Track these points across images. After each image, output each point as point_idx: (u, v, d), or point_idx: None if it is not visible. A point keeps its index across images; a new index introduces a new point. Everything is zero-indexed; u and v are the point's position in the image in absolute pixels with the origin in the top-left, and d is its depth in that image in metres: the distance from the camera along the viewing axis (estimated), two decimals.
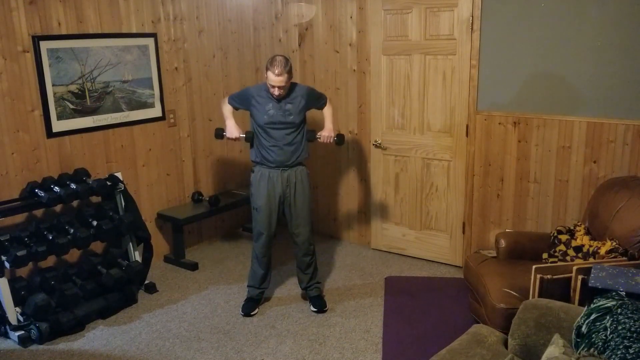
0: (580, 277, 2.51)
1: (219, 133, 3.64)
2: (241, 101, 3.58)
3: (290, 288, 4.01)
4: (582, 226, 3.25)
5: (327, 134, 3.57)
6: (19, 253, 3.21)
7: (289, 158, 3.46)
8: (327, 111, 3.69)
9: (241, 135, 3.55)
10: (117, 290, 3.69)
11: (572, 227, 3.29)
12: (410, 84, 4.22)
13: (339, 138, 3.63)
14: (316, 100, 3.63)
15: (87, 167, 3.86)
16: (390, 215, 4.56)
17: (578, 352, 1.98)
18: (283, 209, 3.56)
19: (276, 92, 3.35)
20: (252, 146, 3.56)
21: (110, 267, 3.74)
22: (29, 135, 3.59)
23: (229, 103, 3.64)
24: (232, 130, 3.56)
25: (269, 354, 3.19)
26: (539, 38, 3.62)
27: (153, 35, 4.22)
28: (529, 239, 3.41)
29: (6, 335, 3.36)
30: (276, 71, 3.26)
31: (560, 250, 3.14)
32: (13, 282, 3.41)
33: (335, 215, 4.92)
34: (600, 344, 1.94)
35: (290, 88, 3.46)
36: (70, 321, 3.40)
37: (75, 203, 3.83)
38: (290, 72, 3.34)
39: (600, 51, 3.43)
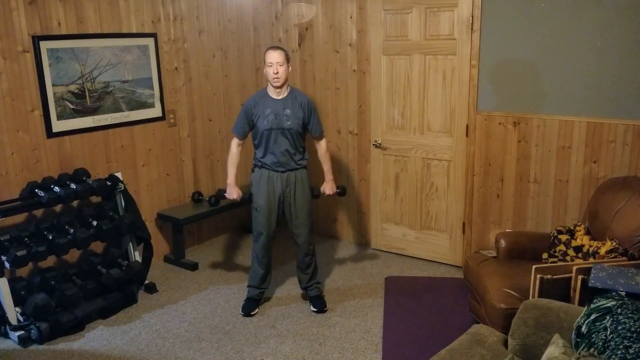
0: (580, 277, 2.51)
1: (220, 195, 4.01)
2: (242, 122, 3.52)
3: (290, 288, 4.01)
4: (582, 226, 3.25)
5: (329, 188, 3.72)
6: (19, 253, 3.21)
7: (289, 164, 3.48)
8: (325, 157, 3.69)
9: (239, 196, 3.67)
10: (117, 290, 3.69)
11: (572, 227, 3.28)
12: (410, 84, 4.22)
13: (342, 190, 3.85)
14: (315, 121, 3.53)
15: (87, 167, 3.86)
16: (390, 215, 4.55)
17: (578, 352, 1.98)
18: (283, 208, 3.57)
19: (274, 70, 3.34)
20: (251, 206, 3.65)
21: (110, 267, 3.74)
22: (29, 135, 3.59)
23: (235, 135, 3.57)
24: (232, 191, 3.64)
25: (269, 354, 3.19)
26: (539, 38, 3.62)
27: (153, 35, 4.22)
28: (529, 239, 3.41)
29: (6, 335, 3.36)
30: (273, 47, 3.41)
31: (560, 250, 3.14)
32: (13, 282, 3.41)
33: (335, 215, 4.92)
34: (600, 344, 1.94)
35: (291, 92, 3.48)
36: (70, 321, 3.40)
37: (75, 203, 3.82)
38: (287, 56, 3.41)
39: (600, 51, 3.42)
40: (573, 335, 2.08)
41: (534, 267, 2.64)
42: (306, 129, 3.55)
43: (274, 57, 3.36)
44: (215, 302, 3.82)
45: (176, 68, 4.45)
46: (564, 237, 3.19)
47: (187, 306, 3.78)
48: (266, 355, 3.18)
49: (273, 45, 3.53)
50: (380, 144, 4.45)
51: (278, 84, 3.39)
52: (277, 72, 3.35)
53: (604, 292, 2.22)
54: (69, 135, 3.80)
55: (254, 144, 3.56)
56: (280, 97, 3.44)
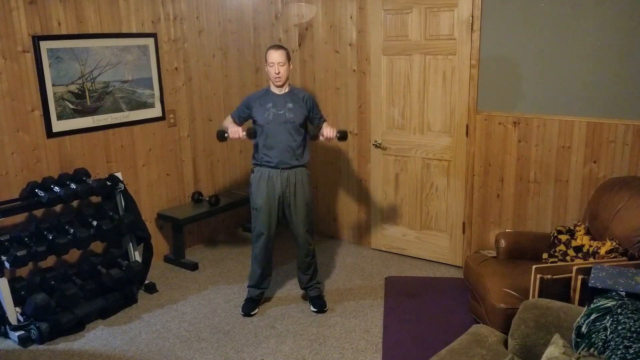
0: (580, 277, 2.51)
1: (221, 134, 3.52)
2: (241, 110, 3.57)
3: (290, 288, 4.01)
4: (582, 226, 3.25)
5: (328, 129, 3.51)
6: (19, 253, 3.21)
7: (289, 161, 3.47)
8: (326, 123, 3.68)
9: (243, 133, 3.48)
10: (117, 290, 3.69)
11: (572, 227, 3.29)
12: (410, 84, 4.22)
13: (342, 133, 3.51)
14: (317, 111, 3.60)
15: (87, 167, 3.86)
16: (390, 215, 4.56)
17: (578, 352, 1.98)
18: (283, 209, 3.56)
19: (276, 70, 3.39)
20: (255, 142, 3.50)
21: (110, 267, 3.74)
22: (29, 135, 3.59)
23: (231, 116, 3.65)
24: (235, 130, 3.49)
25: (269, 354, 3.19)
26: (538, 38, 3.62)
27: (153, 35, 4.22)
28: (529, 239, 3.41)
29: (6, 335, 3.36)
30: (274, 47, 3.45)
31: (560, 250, 3.14)
32: (13, 282, 3.41)
33: (335, 215, 4.92)
34: (600, 344, 1.94)
35: (292, 90, 3.52)
36: (70, 321, 3.40)
37: (75, 203, 3.83)
38: (288, 55, 3.45)
39: (600, 51, 3.43)
40: (573, 335, 2.08)
41: (534, 267, 2.64)
42: (309, 122, 3.58)
43: (275, 57, 3.39)
44: (215, 302, 3.82)
45: (176, 68, 4.45)
46: (564, 237, 3.19)
47: (187, 306, 3.78)
48: (266, 355, 3.18)
49: (274, 44, 3.55)
50: (380, 144, 4.45)
51: (279, 83, 3.44)
52: (279, 72, 3.40)
53: (604, 292, 2.22)
54: (69, 135, 3.80)
55: (254, 146, 3.55)
56: (282, 93, 3.48)
